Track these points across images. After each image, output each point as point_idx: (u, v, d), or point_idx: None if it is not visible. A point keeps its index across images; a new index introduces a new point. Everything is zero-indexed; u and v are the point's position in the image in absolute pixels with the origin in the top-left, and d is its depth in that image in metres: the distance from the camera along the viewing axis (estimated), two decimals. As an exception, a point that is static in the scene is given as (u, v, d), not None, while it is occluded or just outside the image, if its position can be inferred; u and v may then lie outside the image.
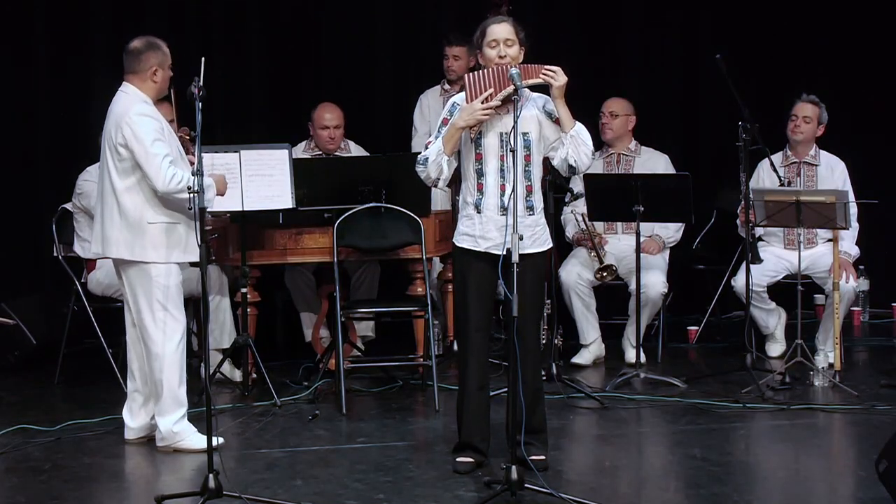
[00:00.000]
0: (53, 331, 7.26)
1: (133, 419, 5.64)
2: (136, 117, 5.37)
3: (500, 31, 5.02)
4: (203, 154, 4.81)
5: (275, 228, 6.68)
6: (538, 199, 5.04)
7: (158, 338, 5.42)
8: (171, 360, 5.43)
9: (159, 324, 5.42)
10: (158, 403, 5.47)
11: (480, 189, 5.01)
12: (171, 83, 5.61)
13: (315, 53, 8.51)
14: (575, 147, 4.98)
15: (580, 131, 4.99)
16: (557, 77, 4.92)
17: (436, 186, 5.19)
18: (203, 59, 5.76)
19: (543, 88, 5.00)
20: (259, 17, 8.41)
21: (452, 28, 7.87)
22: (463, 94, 5.03)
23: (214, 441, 5.36)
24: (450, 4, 8.57)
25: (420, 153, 5.10)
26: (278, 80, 8.42)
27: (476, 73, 4.97)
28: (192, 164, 5.52)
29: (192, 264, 5.56)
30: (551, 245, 5.18)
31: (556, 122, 5.00)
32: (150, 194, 5.40)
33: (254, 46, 8.37)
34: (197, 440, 5.40)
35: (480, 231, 5.00)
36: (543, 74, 4.92)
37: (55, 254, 7.07)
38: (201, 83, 5.03)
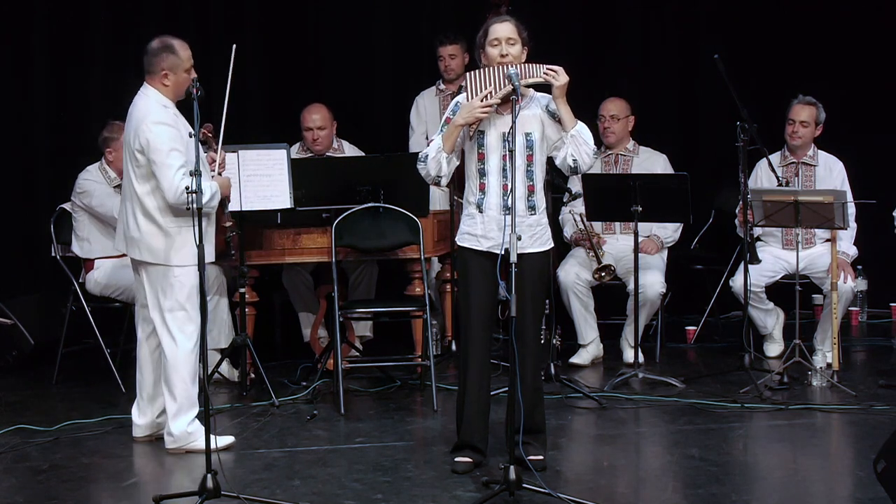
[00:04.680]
0: (51, 331, 7.26)
1: (141, 416, 5.64)
2: (154, 126, 5.32)
3: (503, 30, 5.02)
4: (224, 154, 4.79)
5: (273, 228, 6.68)
6: (540, 199, 5.05)
7: (179, 337, 5.40)
8: (188, 360, 5.41)
9: (178, 325, 5.39)
10: (174, 404, 5.43)
11: (483, 189, 5.02)
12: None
13: (313, 54, 8.52)
14: (576, 146, 4.98)
15: (581, 130, 5.00)
16: (559, 76, 4.93)
17: (437, 185, 5.21)
18: (234, 45, 5.72)
19: (546, 88, 5.01)
20: (257, 17, 8.41)
21: (451, 29, 7.87)
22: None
23: (227, 441, 5.38)
24: (448, 4, 8.57)
25: (420, 152, 5.12)
26: (276, 80, 8.42)
27: (476, 71, 4.99)
28: (212, 161, 5.55)
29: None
30: (552, 245, 5.18)
31: (559, 121, 5.01)
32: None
33: (252, 47, 8.36)
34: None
35: (482, 231, 5.01)
36: (545, 74, 4.93)
37: (53, 254, 7.07)
38: (230, 72, 4.97)
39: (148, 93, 5.45)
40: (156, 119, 5.34)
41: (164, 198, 5.33)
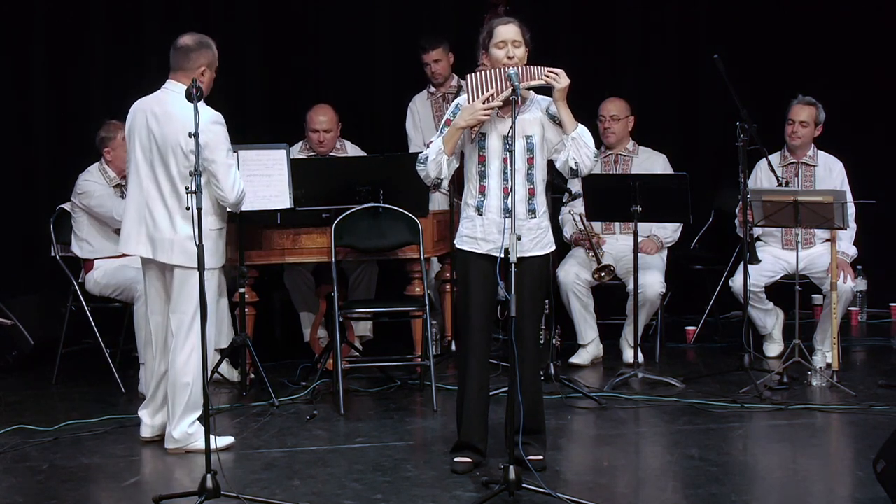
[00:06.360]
0: (51, 331, 7.26)
1: (152, 417, 5.62)
2: (212, 126, 5.25)
3: (508, 32, 5.01)
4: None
5: (273, 228, 6.68)
6: (540, 202, 5.04)
7: (193, 341, 5.34)
8: (198, 363, 5.34)
9: (196, 329, 5.30)
10: (180, 406, 5.41)
11: (483, 191, 5.02)
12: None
13: (314, 53, 8.51)
14: (576, 149, 4.98)
15: (582, 133, 4.99)
16: (560, 79, 4.92)
17: (436, 187, 5.21)
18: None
19: (546, 90, 5.01)
20: (257, 17, 8.41)
21: (445, 30, 7.88)
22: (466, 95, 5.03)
23: (227, 441, 5.35)
24: (448, 4, 8.57)
25: (420, 153, 5.12)
26: (276, 80, 8.42)
27: (477, 73, 4.97)
28: None
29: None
30: (553, 248, 5.18)
31: (559, 124, 5.01)
32: (211, 200, 5.37)
33: (252, 46, 8.37)
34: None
35: (482, 233, 5.00)
36: (546, 76, 4.92)
37: (53, 254, 7.07)
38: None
39: (179, 90, 5.34)
40: (212, 119, 5.27)
41: (219, 197, 5.36)
